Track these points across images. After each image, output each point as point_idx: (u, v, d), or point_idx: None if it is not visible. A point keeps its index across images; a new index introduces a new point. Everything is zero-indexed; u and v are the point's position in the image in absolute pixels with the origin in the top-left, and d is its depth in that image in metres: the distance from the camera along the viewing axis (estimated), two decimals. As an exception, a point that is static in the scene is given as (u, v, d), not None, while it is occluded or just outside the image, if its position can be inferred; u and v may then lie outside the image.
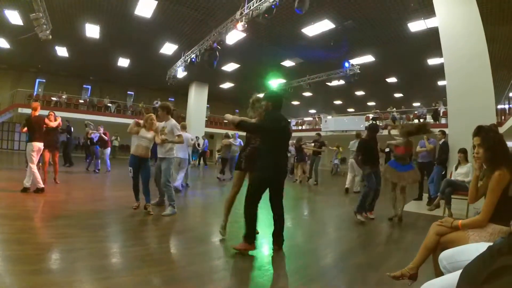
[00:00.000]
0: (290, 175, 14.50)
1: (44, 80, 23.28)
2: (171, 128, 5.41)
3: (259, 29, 12.29)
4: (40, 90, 22.97)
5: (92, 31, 14.00)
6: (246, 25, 10.20)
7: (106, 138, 11.26)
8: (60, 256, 3.19)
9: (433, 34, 10.65)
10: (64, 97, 21.49)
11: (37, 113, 6.63)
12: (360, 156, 5.90)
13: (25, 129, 6.62)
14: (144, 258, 3.28)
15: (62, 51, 17.26)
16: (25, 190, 6.19)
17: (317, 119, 26.35)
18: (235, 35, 12.45)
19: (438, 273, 2.11)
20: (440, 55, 8.41)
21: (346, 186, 9.74)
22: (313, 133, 17.76)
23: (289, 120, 4.11)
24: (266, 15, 9.46)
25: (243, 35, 12.43)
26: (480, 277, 1.21)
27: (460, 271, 1.46)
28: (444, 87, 8.34)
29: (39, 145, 6.43)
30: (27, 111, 18.46)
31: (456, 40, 7.50)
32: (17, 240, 3.47)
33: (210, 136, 26.47)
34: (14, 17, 12.31)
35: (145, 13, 12.01)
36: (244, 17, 10.14)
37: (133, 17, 12.32)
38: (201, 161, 19.21)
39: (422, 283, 1.76)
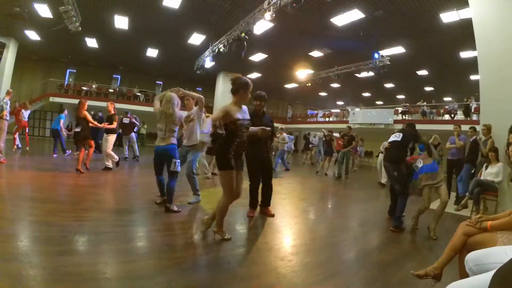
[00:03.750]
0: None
1: (74, 70, 23.98)
2: (196, 114, 5.39)
3: (287, 19, 12.09)
4: (70, 80, 23.71)
5: (121, 22, 14.21)
6: (274, 15, 10.12)
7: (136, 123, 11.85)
8: (87, 238, 3.33)
9: (466, 26, 10.23)
10: (94, 86, 22.11)
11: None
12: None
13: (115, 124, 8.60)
14: (169, 243, 3.39)
15: (91, 42, 17.65)
16: (107, 169, 8.13)
17: (344, 112, 25.94)
18: (263, 25, 12.39)
19: (463, 274, 2.06)
20: (473, 48, 8.06)
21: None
22: (340, 126, 17.57)
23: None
24: (294, 5, 9.35)
25: (271, 25, 12.31)
26: None
27: (488, 273, 1.43)
28: (476, 81, 8.01)
29: None
30: (59, 100, 19.32)
31: (490, 32, 7.11)
32: (45, 222, 3.65)
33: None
34: (43, 10, 12.60)
35: (173, 4, 12.09)
36: (272, 7, 10.06)
37: (162, 8, 12.43)
38: None
39: (446, 284, 1.73)
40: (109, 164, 8.22)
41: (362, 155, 19.03)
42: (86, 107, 7.87)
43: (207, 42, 15.97)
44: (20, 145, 11.30)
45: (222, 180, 3.55)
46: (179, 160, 4.76)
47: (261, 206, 5.11)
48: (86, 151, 7.79)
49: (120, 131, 10.96)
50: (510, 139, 2.26)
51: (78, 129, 7.67)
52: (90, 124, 7.86)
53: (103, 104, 19.47)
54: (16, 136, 11.21)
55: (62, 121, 10.71)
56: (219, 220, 3.61)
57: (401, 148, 5.06)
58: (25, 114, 11.07)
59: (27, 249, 2.83)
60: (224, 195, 3.55)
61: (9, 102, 8.41)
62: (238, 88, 3.58)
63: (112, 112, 8.70)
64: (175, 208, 4.67)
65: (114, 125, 8.52)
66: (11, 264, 2.47)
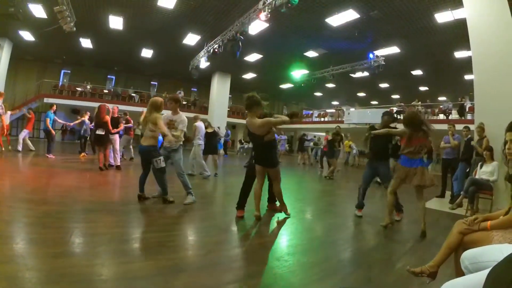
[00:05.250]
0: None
1: (69, 71, 23.79)
2: (180, 121, 5.54)
3: (282, 19, 12.12)
4: (65, 80, 23.53)
5: (116, 22, 14.13)
6: (269, 15, 10.08)
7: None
8: (83, 240, 3.31)
9: (460, 26, 10.31)
10: (88, 87, 22.02)
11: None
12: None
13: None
14: (165, 244, 3.37)
15: (86, 43, 17.54)
16: (117, 167, 8.99)
17: (339, 112, 25.98)
18: (258, 25, 12.37)
19: (459, 272, 2.07)
20: (468, 48, 8.11)
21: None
22: (335, 126, 17.62)
23: None
24: (289, 5, 9.34)
25: (266, 25, 12.31)
26: (508, 278, 1.20)
27: (483, 271, 1.44)
28: (471, 81, 8.07)
29: None
30: (53, 101, 19.15)
31: (484, 32, 7.15)
32: (41, 223, 3.62)
33: (232, 126, 26.55)
34: (38, 10, 12.53)
35: (167, 4, 12.05)
36: (267, 7, 10.02)
37: (156, 8, 12.39)
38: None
39: (441, 282, 1.73)
40: (118, 162, 9.18)
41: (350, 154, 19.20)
42: (106, 111, 8.70)
43: (202, 42, 15.91)
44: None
45: (277, 172, 4.82)
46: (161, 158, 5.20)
47: (270, 202, 5.63)
48: (103, 153, 8.54)
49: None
50: (507, 137, 2.26)
51: (102, 132, 8.38)
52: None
53: (97, 104, 19.45)
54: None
55: (48, 120, 10.63)
56: (282, 199, 5.08)
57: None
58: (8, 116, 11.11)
59: (23, 251, 2.81)
60: (278, 182, 4.89)
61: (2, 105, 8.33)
62: (256, 104, 4.52)
63: (116, 115, 9.54)
64: (171, 199, 5.27)
65: (121, 127, 9.70)
66: (7, 266, 2.45)
